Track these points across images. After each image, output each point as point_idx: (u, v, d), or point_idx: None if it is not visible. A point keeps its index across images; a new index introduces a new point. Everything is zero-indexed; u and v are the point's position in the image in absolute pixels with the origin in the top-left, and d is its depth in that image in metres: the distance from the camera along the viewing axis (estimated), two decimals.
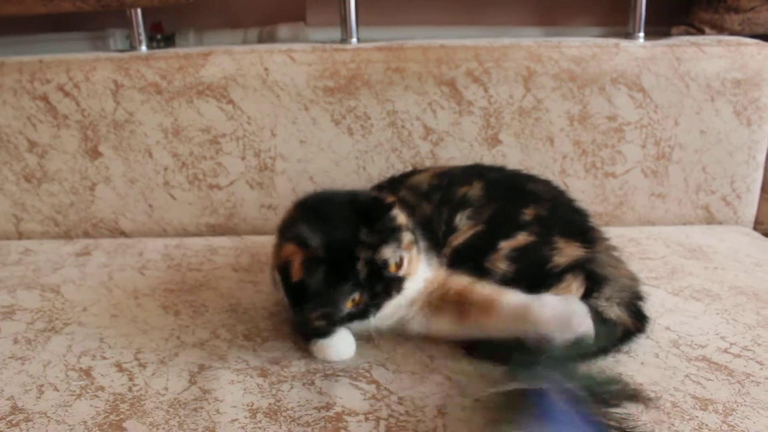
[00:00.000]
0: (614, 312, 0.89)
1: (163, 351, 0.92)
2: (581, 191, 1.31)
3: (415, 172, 1.14)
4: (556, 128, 1.31)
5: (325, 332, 0.88)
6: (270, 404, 0.80)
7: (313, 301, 0.83)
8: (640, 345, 0.90)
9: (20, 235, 1.38)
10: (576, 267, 0.91)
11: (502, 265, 0.91)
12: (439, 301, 0.90)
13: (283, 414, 0.78)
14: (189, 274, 1.16)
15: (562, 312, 0.81)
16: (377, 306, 0.84)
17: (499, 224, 0.95)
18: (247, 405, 0.80)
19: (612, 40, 1.33)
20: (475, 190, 1.00)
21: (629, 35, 1.37)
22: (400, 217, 0.88)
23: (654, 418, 0.76)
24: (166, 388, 0.83)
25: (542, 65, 1.29)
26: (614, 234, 1.18)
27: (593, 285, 0.91)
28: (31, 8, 1.32)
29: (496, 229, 0.94)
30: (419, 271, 0.89)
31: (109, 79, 1.31)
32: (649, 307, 0.97)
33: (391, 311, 0.87)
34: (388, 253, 0.83)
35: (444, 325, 0.89)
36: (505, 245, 0.92)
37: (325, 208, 0.88)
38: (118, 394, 0.83)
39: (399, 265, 0.84)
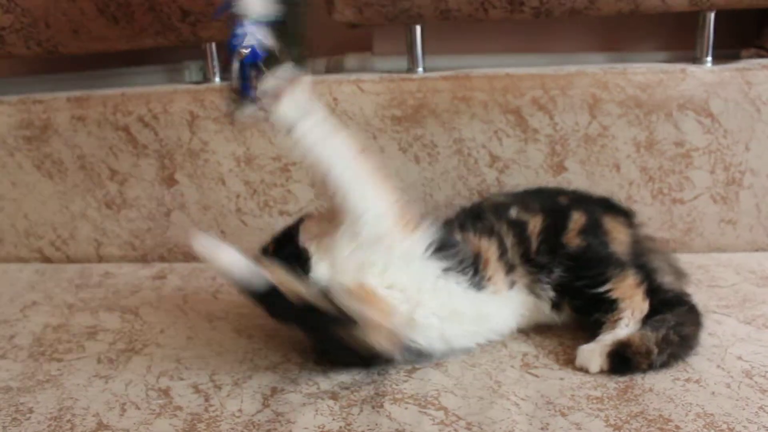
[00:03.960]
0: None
1: (238, 373, 0.95)
2: (648, 218, 1.30)
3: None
4: (623, 155, 1.31)
5: None
6: (341, 427, 0.82)
7: None
8: (711, 374, 0.89)
9: (100, 259, 1.45)
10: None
11: (576, 240, 1.00)
12: None
13: None
14: None
15: None
16: None
17: (554, 210, 1.05)
18: (319, 427, 0.82)
19: (679, 66, 1.32)
20: (500, 198, 1.14)
21: (696, 59, 1.36)
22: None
23: None
24: (240, 410, 0.86)
25: (608, 92, 1.29)
26: (683, 261, 1.18)
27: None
28: (115, 45, 1.40)
29: (554, 213, 1.04)
30: None
31: (185, 110, 1.37)
32: (719, 336, 0.97)
33: None
34: None
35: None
36: (572, 225, 1.02)
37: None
38: (195, 414, 0.86)
39: None
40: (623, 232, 1.06)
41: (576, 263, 0.98)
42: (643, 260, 1.04)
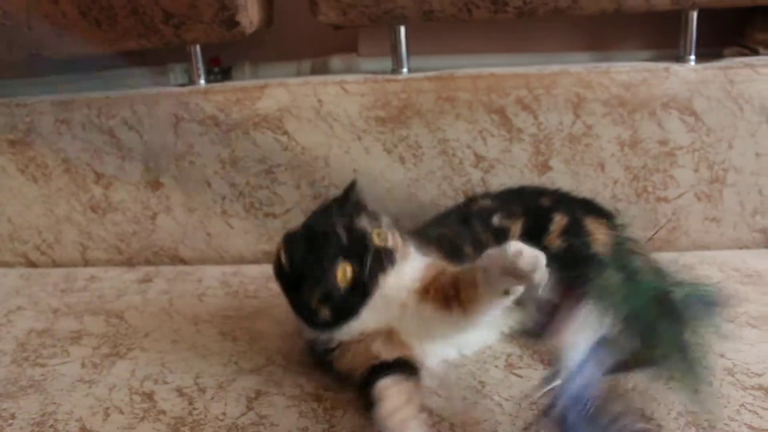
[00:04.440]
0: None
1: (222, 376, 0.95)
2: (633, 216, 1.30)
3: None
4: (607, 154, 1.31)
5: (334, 324, 0.85)
6: (324, 429, 0.82)
7: (306, 280, 0.83)
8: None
9: (86, 263, 1.44)
10: None
11: (557, 242, 1.01)
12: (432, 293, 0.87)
13: None
14: (246, 301, 1.20)
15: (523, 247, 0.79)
16: (373, 278, 0.83)
17: (536, 212, 1.06)
18: (302, 429, 0.82)
19: (662, 64, 1.33)
20: (485, 201, 1.12)
21: (680, 58, 1.37)
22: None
23: None
24: (224, 413, 0.86)
25: (592, 91, 1.30)
26: (667, 259, 1.18)
27: None
28: (98, 48, 1.39)
29: (536, 216, 1.05)
30: (411, 256, 0.89)
31: (170, 113, 1.37)
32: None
33: (394, 293, 0.85)
34: (364, 221, 0.85)
35: (436, 315, 0.86)
36: (554, 227, 1.02)
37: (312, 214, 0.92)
38: (179, 417, 0.86)
39: (381, 238, 0.85)
40: (605, 233, 1.07)
41: (558, 264, 0.98)
42: (624, 261, 1.04)
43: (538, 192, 1.18)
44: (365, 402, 0.81)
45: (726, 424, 0.79)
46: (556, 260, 0.98)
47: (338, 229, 0.84)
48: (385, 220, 0.89)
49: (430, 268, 0.89)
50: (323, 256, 0.83)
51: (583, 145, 1.31)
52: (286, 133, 1.35)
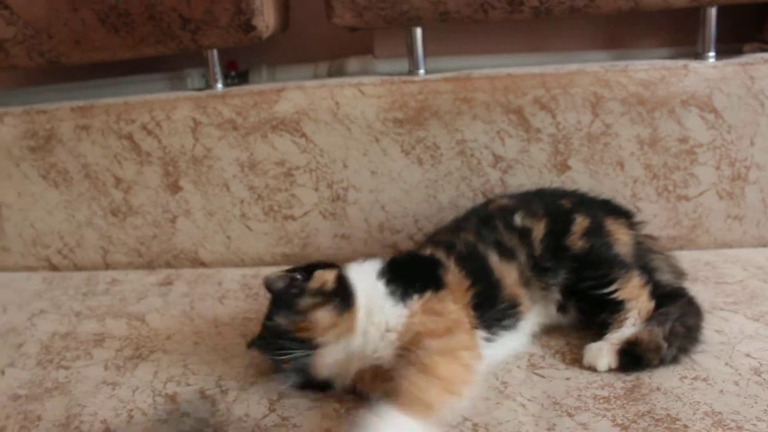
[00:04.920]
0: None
1: (244, 378, 0.96)
2: (653, 215, 1.30)
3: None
4: (626, 153, 1.31)
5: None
6: (347, 430, 0.82)
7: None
8: (719, 372, 0.89)
9: (107, 266, 1.46)
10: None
11: (580, 243, 1.00)
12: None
13: None
14: (266, 302, 1.20)
15: None
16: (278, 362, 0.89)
17: (557, 213, 1.05)
18: (325, 430, 0.82)
19: (681, 62, 1.31)
20: (504, 201, 1.13)
21: (698, 55, 1.35)
22: (313, 281, 0.93)
23: None
24: (247, 414, 0.87)
25: (610, 90, 1.29)
26: (689, 258, 1.18)
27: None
28: (117, 54, 1.41)
29: (557, 217, 1.05)
30: (358, 325, 0.90)
31: (188, 117, 1.38)
32: (727, 333, 0.97)
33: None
34: (280, 319, 0.91)
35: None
36: (575, 228, 1.03)
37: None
38: (202, 419, 0.86)
39: (302, 328, 0.88)
40: (626, 233, 1.06)
41: (580, 265, 0.98)
42: (645, 260, 1.04)
43: (558, 194, 1.18)
44: None
45: (753, 425, 0.78)
46: (578, 261, 0.99)
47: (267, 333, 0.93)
48: (304, 303, 0.91)
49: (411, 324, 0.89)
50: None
51: (602, 144, 1.31)
52: (304, 135, 1.35)
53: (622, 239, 1.05)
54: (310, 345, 0.87)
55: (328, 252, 1.38)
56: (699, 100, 1.28)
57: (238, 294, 1.25)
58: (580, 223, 1.04)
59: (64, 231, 1.46)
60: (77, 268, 1.47)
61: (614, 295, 0.96)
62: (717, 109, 1.28)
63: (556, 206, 1.09)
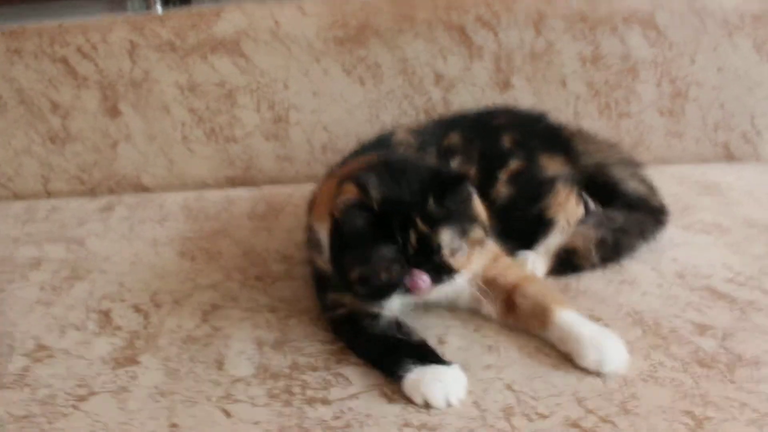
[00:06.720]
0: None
1: (178, 293, 0.96)
2: (596, 132, 1.30)
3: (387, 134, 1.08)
4: (569, 70, 1.30)
5: (367, 299, 0.78)
6: (276, 337, 0.83)
7: (351, 252, 0.75)
8: (645, 276, 0.91)
9: (49, 195, 1.43)
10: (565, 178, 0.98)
11: (504, 190, 0.96)
12: (487, 285, 0.82)
13: (289, 345, 0.81)
14: (206, 223, 1.19)
15: (602, 352, 0.74)
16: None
17: (491, 159, 0.99)
18: (255, 338, 0.83)
19: None
20: (454, 140, 1.01)
21: None
22: (478, 206, 0.82)
23: (651, 342, 0.77)
24: (179, 326, 0.87)
25: (552, 7, 1.28)
26: None
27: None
28: None
29: (489, 164, 0.98)
30: (474, 265, 0.80)
31: (125, 40, 1.34)
32: (657, 241, 0.99)
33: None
34: (446, 237, 0.75)
35: (492, 313, 0.84)
36: (503, 175, 0.97)
37: (401, 169, 0.80)
38: (134, 332, 0.87)
39: (453, 254, 0.76)
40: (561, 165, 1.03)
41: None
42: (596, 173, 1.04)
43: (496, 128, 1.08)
44: None
45: (669, 321, 0.81)
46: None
47: (412, 237, 0.74)
48: (475, 233, 0.79)
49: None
50: (379, 252, 0.74)
51: (544, 62, 1.30)
52: (243, 56, 1.32)
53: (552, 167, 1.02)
54: (450, 276, 0.76)
55: (271, 173, 1.37)
56: (641, 17, 1.28)
57: (178, 216, 1.24)
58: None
59: (0, 160, 1.42)
60: (17, 197, 1.43)
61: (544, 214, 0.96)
62: (659, 26, 1.29)
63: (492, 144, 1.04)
